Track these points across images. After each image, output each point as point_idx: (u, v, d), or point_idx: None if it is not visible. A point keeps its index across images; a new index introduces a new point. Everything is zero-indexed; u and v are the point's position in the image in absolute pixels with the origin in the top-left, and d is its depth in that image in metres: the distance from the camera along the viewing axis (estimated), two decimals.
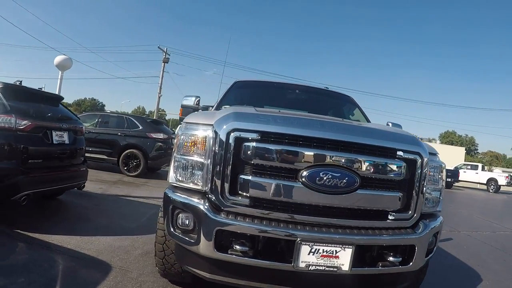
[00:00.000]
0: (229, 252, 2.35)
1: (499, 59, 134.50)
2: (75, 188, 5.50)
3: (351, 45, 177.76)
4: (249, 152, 2.35)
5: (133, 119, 10.65)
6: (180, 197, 2.51)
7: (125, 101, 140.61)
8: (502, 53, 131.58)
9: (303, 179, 2.35)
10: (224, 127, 2.41)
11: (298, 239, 2.30)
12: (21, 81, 5.24)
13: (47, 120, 4.84)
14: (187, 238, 2.46)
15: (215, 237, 2.32)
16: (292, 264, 2.31)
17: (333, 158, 2.37)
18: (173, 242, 2.74)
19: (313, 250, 2.32)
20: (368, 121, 4.84)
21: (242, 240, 2.36)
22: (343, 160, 2.38)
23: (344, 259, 2.35)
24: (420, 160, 2.59)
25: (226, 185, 2.39)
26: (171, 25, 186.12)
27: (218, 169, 2.39)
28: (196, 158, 2.52)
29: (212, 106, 4.80)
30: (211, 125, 2.48)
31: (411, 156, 2.56)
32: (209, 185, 2.42)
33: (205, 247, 2.34)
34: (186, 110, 4.45)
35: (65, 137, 5.12)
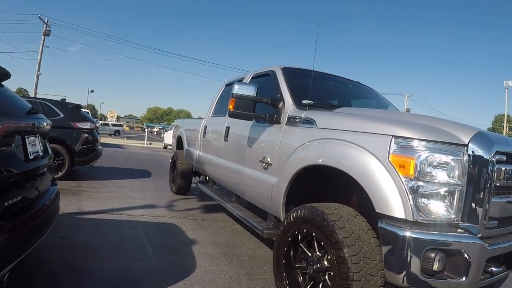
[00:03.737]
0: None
1: None
2: None
3: None
4: (500, 174, 2.34)
5: (51, 105, 8.12)
6: (435, 234, 2.14)
7: None
8: None
9: None
10: (486, 148, 2.25)
11: None
12: None
13: (15, 116, 2.82)
14: (448, 280, 2.14)
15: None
16: None
17: None
18: None
19: None
20: None
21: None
22: None
23: None
24: None
25: (483, 211, 2.24)
26: None
27: (477, 195, 2.22)
28: (446, 184, 2.19)
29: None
30: (465, 145, 2.22)
31: None
32: (460, 214, 2.19)
33: (474, 281, 2.16)
34: (243, 103, 3.43)
35: (38, 146, 3.14)
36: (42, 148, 3.25)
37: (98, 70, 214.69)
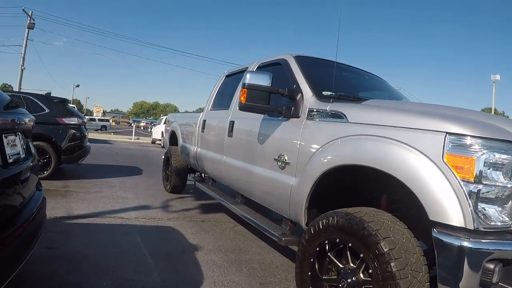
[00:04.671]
0: None
1: None
2: None
3: None
4: None
5: (35, 100, 7.54)
6: (495, 243, 1.90)
7: None
8: None
9: None
10: None
11: None
12: None
13: None
14: None
15: None
16: None
17: None
18: None
19: None
20: None
21: None
22: None
23: None
24: None
25: None
26: None
27: None
28: (506, 187, 1.93)
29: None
30: None
31: None
32: None
33: None
34: (256, 94, 3.05)
35: (18, 146, 2.69)
36: (24, 148, 2.79)
37: (84, 64, 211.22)
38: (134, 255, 3.65)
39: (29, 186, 2.69)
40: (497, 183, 1.92)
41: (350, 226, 2.19)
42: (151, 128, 33.75)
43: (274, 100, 3.22)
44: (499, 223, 1.93)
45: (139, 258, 3.57)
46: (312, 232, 2.50)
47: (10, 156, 2.42)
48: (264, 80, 3.03)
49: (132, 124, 37.32)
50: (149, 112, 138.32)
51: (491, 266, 1.86)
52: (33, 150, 3.10)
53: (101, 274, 3.11)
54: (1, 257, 1.94)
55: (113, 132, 37.46)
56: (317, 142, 2.80)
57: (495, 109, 35.28)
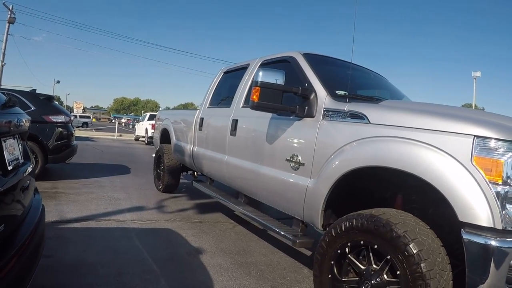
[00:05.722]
0: None
1: None
2: None
3: None
4: None
5: (20, 97, 7.15)
6: None
7: None
8: None
9: None
10: None
11: None
12: None
13: None
14: None
15: None
16: None
17: None
18: None
19: None
20: None
21: None
22: None
23: None
24: None
25: None
26: None
27: None
28: None
29: None
30: None
31: None
32: None
33: None
34: (270, 93, 2.96)
35: (17, 150, 2.50)
36: (21, 152, 2.59)
37: (64, 59, 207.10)
38: (137, 261, 3.48)
39: (29, 194, 2.51)
40: None
41: (377, 228, 2.16)
42: (133, 125, 33.19)
43: (287, 99, 3.11)
44: None
45: (142, 264, 3.41)
46: (334, 234, 2.43)
47: (10, 163, 2.23)
48: (278, 78, 2.91)
49: (114, 121, 36.59)
50: (130, 108, 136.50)
51: None
52: (30, 154, 2.90)
53: (106, 284, 2.95)
54: (8, 283, 1.74)
55: (94, 129, 36.75)
56: (336, 143, 2.71)
57: (475, 105, 35.88)
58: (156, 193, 6.92)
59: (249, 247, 4.28)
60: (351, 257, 2.37)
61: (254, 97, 2.88)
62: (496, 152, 1.98)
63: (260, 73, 2.90)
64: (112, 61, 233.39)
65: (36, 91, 7.61)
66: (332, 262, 2.44)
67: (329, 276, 2.45)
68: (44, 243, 2.54)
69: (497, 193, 1.93)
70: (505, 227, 1.92)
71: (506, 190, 1.94)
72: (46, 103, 7.57)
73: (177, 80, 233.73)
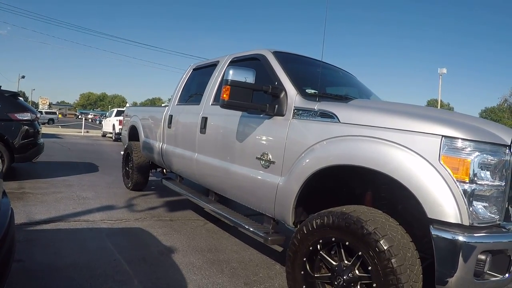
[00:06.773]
0: None
1: None
2: None
3: None
4: None
5: None
6: (486, 237, 2.08)
7: None
8: None
9: None
10: None
11: None
12: None
13: None
14: (491, 279, 2.13)
15: None
16: None
17: None
18: None
19: None
20: None
21: None
22: None
23: None
24: None
25: None
26: None
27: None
28: (495, 185, 2.13)
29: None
30: (509, 145, 2.19)
31: None
32: (503, 214, 2.18)
33: None
34: (240, 91, 2.99)
35: None
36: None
37: (29, 54, 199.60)
38: (109, 262, 3.45)
39: None
40: (488, 182, 2.09)
41: (348, 225, 2.24)
42: (100, 121, 32.34)
43: (256, 97, 3.13)
44: (489, 219, 2.11)
45: (114, 266, 3.38)
46: (305, 232, 2.50)
47: None
48: (248, 77, 2.94)
49: (80, 117, 35.61)
50: (96, 103, 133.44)
51: (483, 257, 2.04)
52: None
53: (79, 287, 2.92)
54: None
55: (60, 125, 35.71)
56: (306, 141, 2.77)
57: (441, 101, 36.99)
58: (125, 191, 6.84)
59: (220, 244, 4.31)
60: (323, 254, 2.45)
61: (225, 95, 2.90)
62: (463, 151, 2.08)
63: (231, 72, 2.91)
64: (78, 55, 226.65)
65: (1, 88, 7.31)
66: (305, 259, 2.51)
67: (302, 272, 2.53)
68: (15, 248, 2.48)
69: (464, 191, 2.04)
70: (472, 223, 2.03)
71: (472, 188, 2.05)
72: (11, 101, 7.28)
73: (144, 75, 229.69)
